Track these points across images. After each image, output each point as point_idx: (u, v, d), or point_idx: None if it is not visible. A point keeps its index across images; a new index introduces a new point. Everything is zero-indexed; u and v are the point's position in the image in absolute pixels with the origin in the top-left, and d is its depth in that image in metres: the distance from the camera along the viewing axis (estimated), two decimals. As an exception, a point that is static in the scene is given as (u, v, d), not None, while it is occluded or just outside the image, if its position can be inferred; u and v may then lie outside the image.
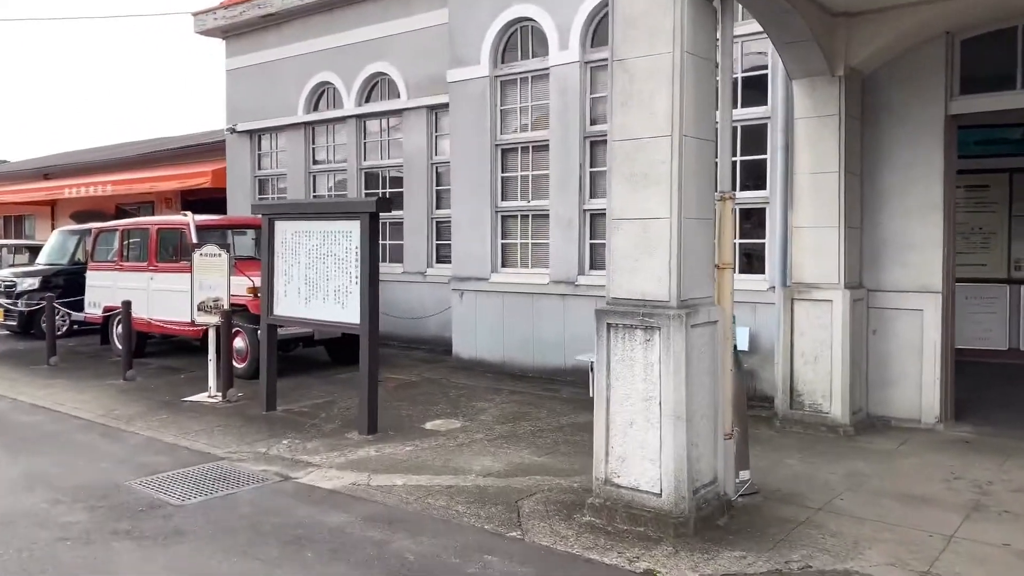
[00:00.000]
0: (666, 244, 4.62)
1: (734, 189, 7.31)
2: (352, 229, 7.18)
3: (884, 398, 7.28)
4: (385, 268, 10.91)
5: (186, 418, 7.79)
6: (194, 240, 10.25)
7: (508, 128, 10.03)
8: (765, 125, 7.99)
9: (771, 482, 5.56)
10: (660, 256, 4.64)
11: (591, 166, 9.22)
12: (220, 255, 8.60)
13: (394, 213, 12.08)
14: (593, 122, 9.15)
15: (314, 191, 13.99)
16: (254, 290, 9.67)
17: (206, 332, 8.95)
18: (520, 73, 9.86)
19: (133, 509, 5.22)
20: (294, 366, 10.46)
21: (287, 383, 9.02)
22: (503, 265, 10.12)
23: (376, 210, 6.97)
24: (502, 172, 10.08)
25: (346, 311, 7.26)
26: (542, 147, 9.68)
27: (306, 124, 13.92)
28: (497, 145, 10.03)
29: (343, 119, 13.35)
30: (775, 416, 7.28)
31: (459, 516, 5.01)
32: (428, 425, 7.43)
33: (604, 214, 9.42)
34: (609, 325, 4.78)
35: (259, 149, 15.01)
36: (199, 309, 8.69)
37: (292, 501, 5.39)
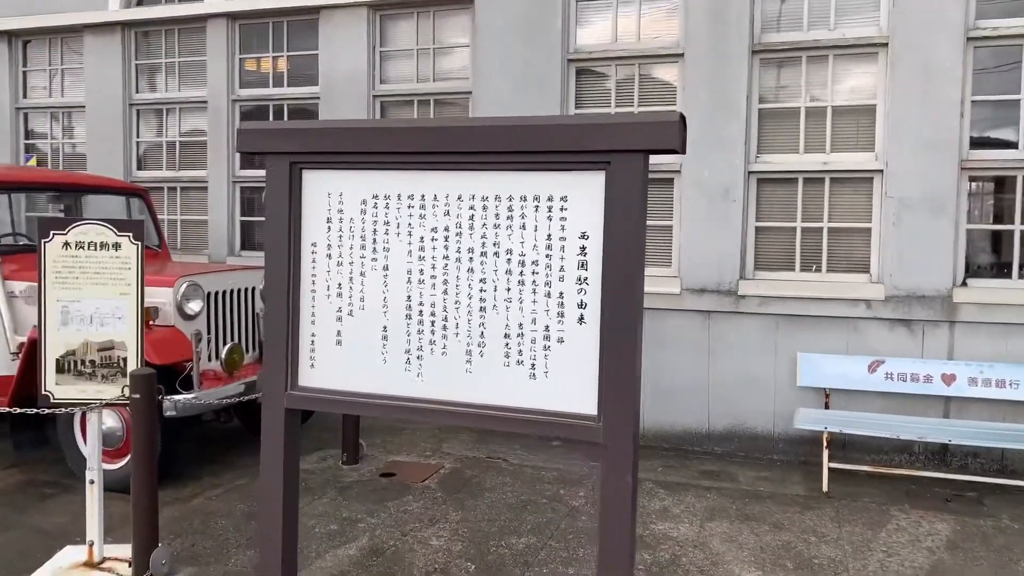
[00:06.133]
0: None
1: None
2: (571, 192, 2.97)
3: None
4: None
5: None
6: (-21, 211, 5.05)
7: (592, 32, 6.05)
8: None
9: None
10: None
11: (760, 101, 5.61)
12: (119, 245, 3.79)
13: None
14: (766, 27, 5.53)
15: (137, 137, 8.73)
16: (148, 317, 4.83)
17: (43, 412, 3.96)
18: (623, -61, 5.91)
19: None
20: (190, 445, 5.71)
21: (215, 492, 4.49)
22: (574, 261, 6.17)
23: (666, 145, 2.84)
24: (577, 107, 6.09)
25: (547, 385, 3.03)
26: (660, 62, 5.85)
27: (125, 26, 8.58)
28: (571, 60, 6.00)
29: (200, 20, 8.29)
30: None
31: None
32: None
33: (784, 179, 5.54)
34: None
35: (25, 65, 9.25)
36: (59, 369, 3.80)
37: None
